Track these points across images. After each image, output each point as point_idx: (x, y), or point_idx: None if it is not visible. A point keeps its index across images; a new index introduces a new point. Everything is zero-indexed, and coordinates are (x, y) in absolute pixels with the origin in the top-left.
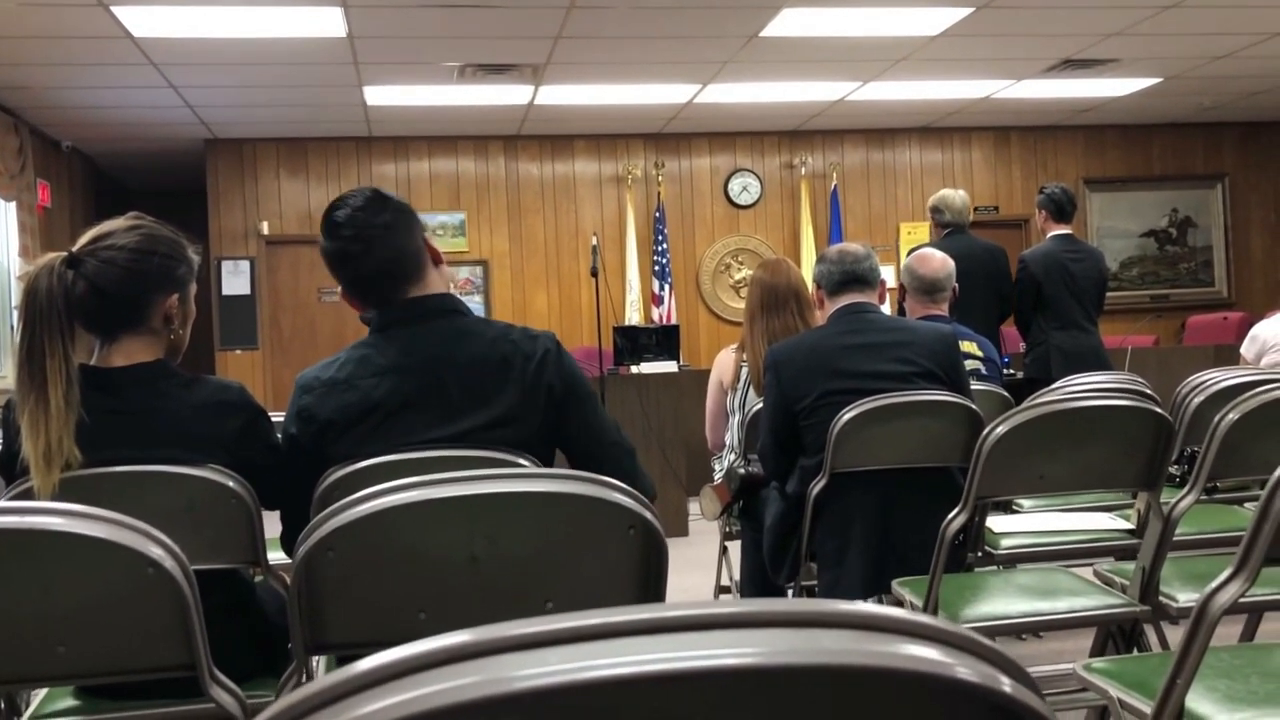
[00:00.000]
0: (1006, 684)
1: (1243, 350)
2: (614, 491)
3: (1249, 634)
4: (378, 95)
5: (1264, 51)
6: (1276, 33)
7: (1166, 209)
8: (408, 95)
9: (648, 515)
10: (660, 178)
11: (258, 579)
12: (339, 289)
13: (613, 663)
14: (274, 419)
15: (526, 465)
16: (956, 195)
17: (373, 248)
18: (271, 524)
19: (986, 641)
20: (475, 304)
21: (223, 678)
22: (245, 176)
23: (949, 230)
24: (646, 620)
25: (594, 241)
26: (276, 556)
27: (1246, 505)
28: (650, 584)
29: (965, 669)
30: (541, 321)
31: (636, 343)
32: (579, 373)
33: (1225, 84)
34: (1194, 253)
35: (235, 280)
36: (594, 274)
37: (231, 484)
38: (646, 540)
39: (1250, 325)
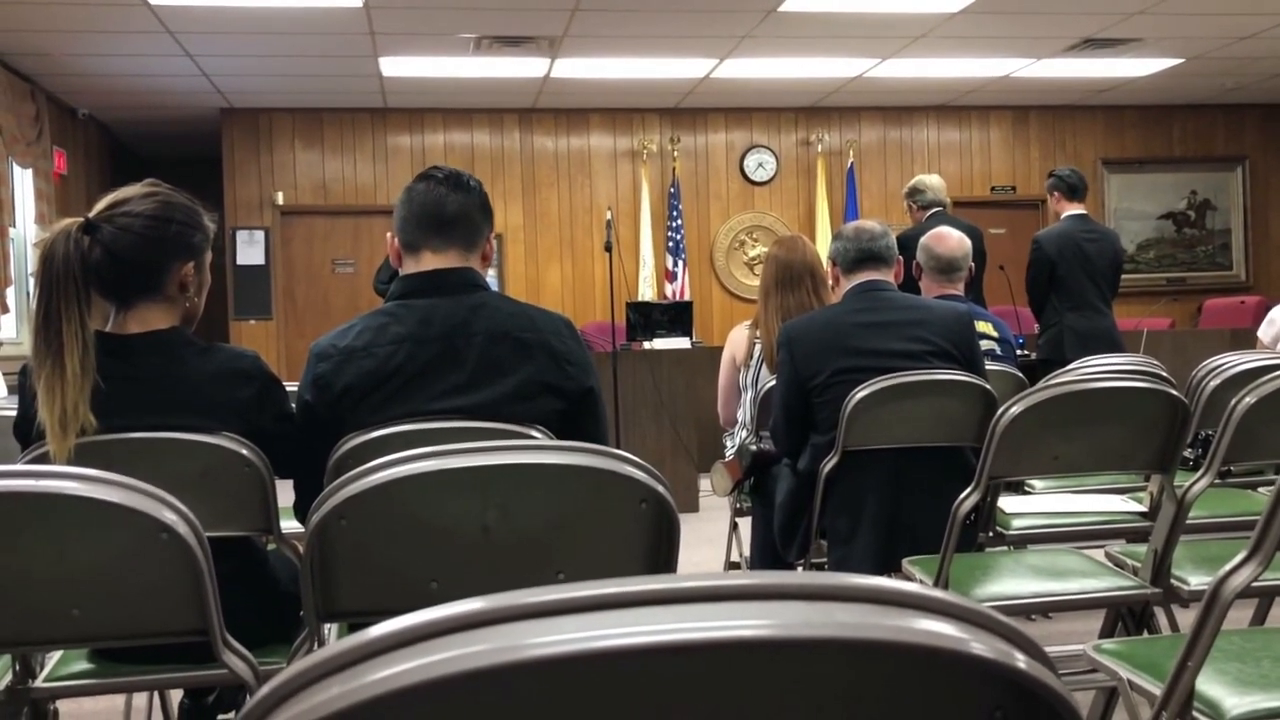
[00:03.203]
0: (1022, 660)
1: (1260, 333)
2: (626, 465)
3: (1260, 618)
4: (393, 66)
5: None
6: None
7: (1185, 191)
8: (423, 66)
9: (660, 489)
10: (676, 153)
11: (270, 547)
12: (391, 238)
13: (626, 632)
14: (288, 389)
15: (539, 437)
16: (933, 177)
17: (453, 194)
18: (285, 492)
19: (1002, 618)
20: (489, 278)
21: (235, 643)
22: (260, 146)
23: (933, 211)
24: (660, 591)
25: (608, 216)
26: (289, 525)
27: (1260, 490)
28: (661, 558)
29: (980, 645)
30: (554, 296)
31: (650, 318)
32: (592, 363)
33: (1248, 65)
34: (1212, 235)
35: (250, 250)
36: (608, 249)
37: (245, 452)
38: (658, 514)
39: (1268, 309)
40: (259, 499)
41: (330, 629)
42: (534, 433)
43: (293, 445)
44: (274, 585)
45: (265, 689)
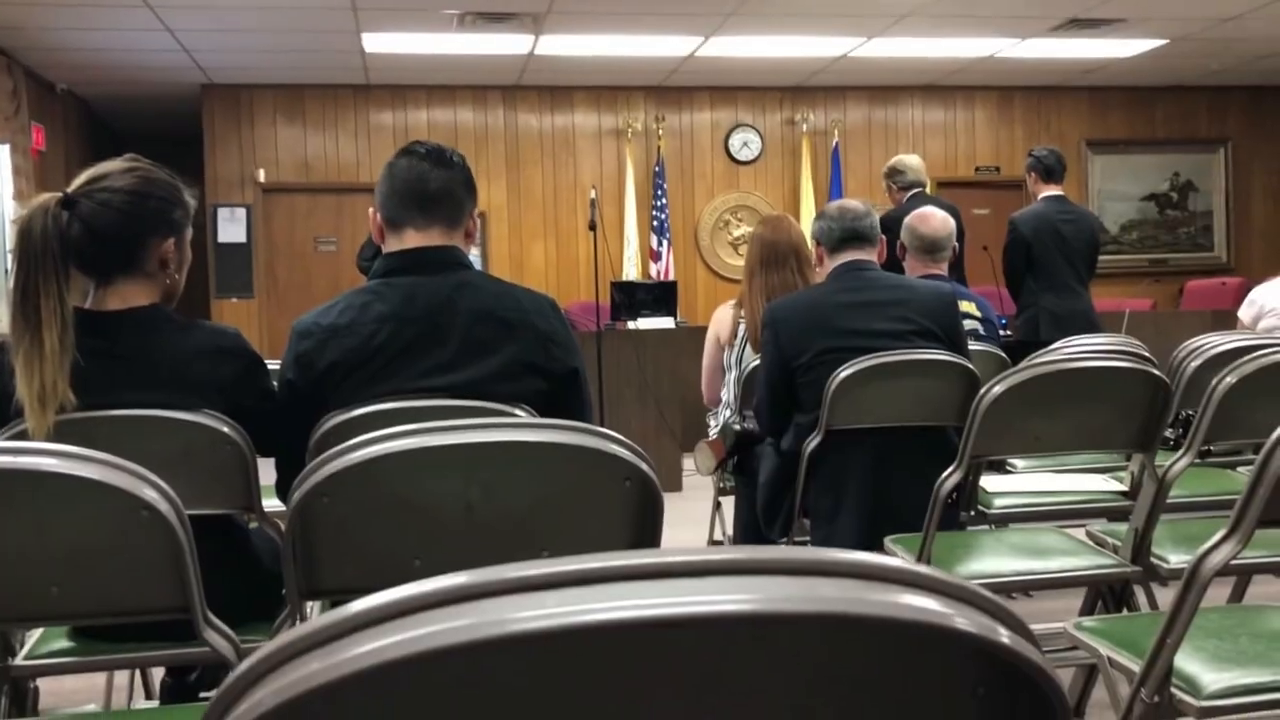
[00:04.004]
0: (1005, 635)
1: (1240, 314)
2: (610, 443)
3: (1237, 595)
4: (376, 42)
5: (1273, 14)
6: None
7: (1168, 173)
8: (407, 43)
9: (644, 467)
10: (660, 132)
11: (252, 525)
12: (374, 214)
13: (610, 607)
14: (270, 367)
15: (523, 415)
16: (912, 157)
17: (435, 171)
18: (267, 470)
19: (985, 592)
20: (472, 256)
21: (216, 621)
22: (242, 123)
23: (913, 191)
24: (645, 565)
25: (592, 195)
26: (271, 503)
27: (1240, 469)
28: (645, 536)
29: (963, 619)
30: (538, 275)
31: (634, 298)
32: (576, 344)
33: (1232, 47)
34: (1194, 217)
35: (231, 228)
36: (592, 228)
37: (226, 429)
38: (642, 492)
39: (1249, 290)
40: (240, 477)
41: (312, 607)
42: (518, 411)
43: (275, 423)
44: (256, 563)
45: (246, 664)
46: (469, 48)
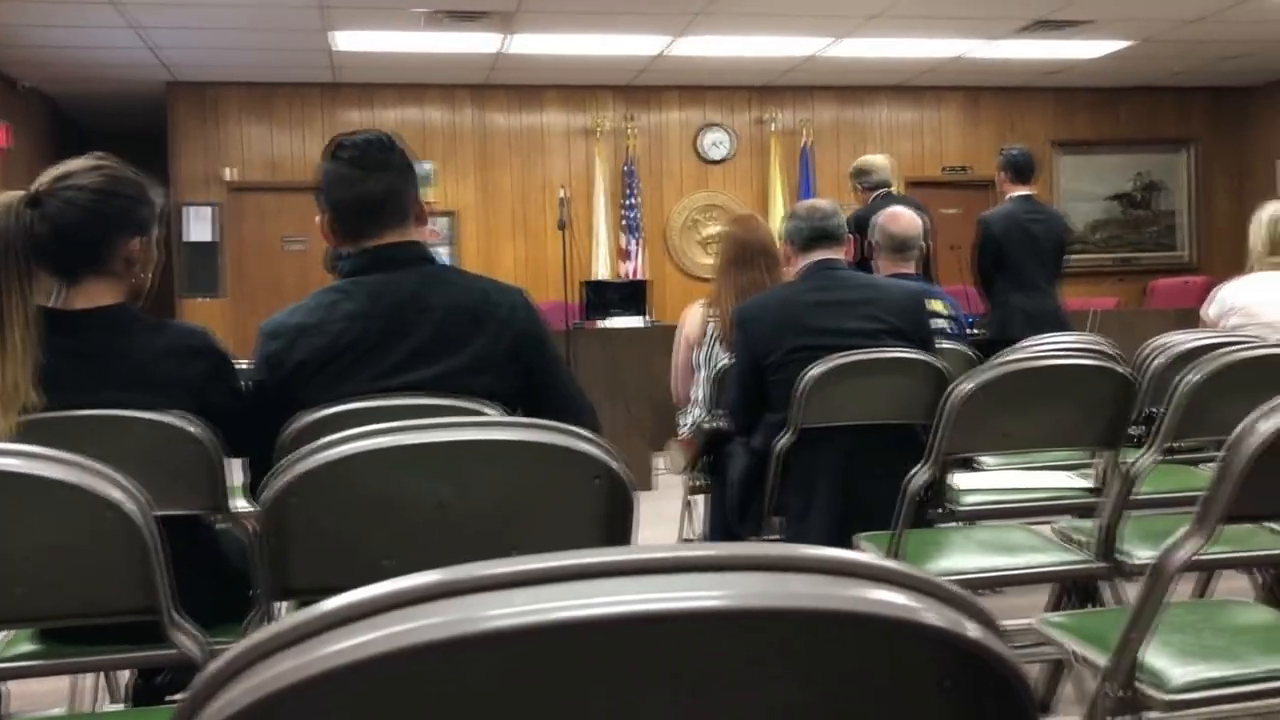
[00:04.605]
0: (973, 630)
1: (1204, 312)
2: (581, 441)
3: (1201, 591)
4: (345, 40)
5: (1235, 16)
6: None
7: (1133, 173)
8: (375, 41)
9: (615, 465)
10: (630, 131)
11: (221, 526)
12: (321, 218)
13: (583, 604)
14: (240, 367)
15: (494, 414)
16: (879, 157)
17: (370, 179)
18: (236, 471)
19: (954, 588)
20: (443, 255)
21: (185, 622)
22: (208, 121)
23: (879, 191)
24: (618, 562)
25: (563, 194)
26: (241, 504)
27: (1204, 466)
28: (617, 534)
29: (933, 615)
30: (509, 274)
31: (605, 297)
32: (547, 331)
33: (1196, 49)
34: (1159, 217)
35: (198, 227)
36: (562, 227)
37: (195, 429)
38: (613, 490)
39: (1212, 289)
40: (209, 477)
41: (282, 607)
42: (489, 409)
43: (244, 423)
44: (225, 564)
45: (217, 663)
46: (438, 46)
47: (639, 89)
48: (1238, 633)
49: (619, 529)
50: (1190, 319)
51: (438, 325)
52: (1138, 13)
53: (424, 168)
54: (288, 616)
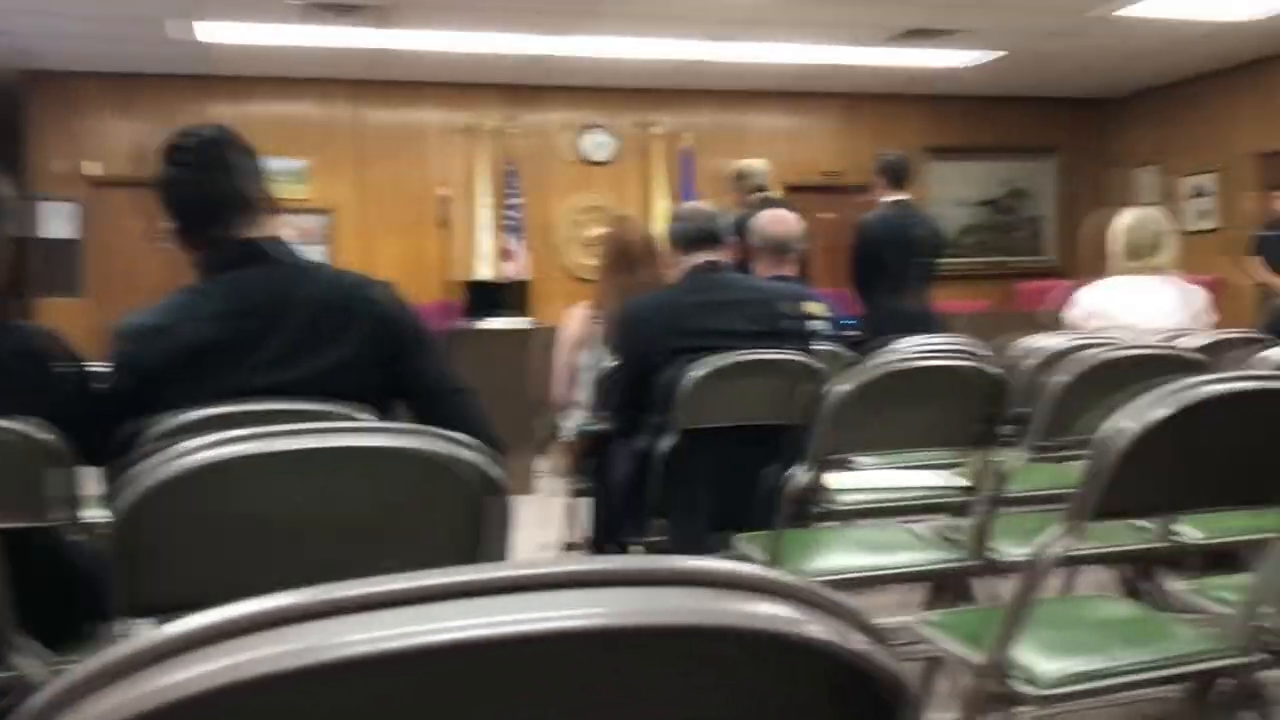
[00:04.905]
0: (857, 641)
1: (1069, 315)
2: (458, 447)
3: (1069, 586)
4: (212, 31)
5: (1094, 30)
6: (1106, 14)
7: (1002, 180)
8: (246, 33)
9: (493, 472)
10: (512, 131)
11: (74, 538)
12: (166, 224)
13: (450, 626)
14: (97, 369)
15: (365, 419)
16: (757, 161)
17: (211, 179)
18: (89, 480)
19: (837, 598)
20: (318, 254)
21: (28, 643)
22: (68, 113)
23: (759, 195)
24: (487, 580)
25: (443, 193)
26: (94, 514)
27: (1072, 463)
28: (494, 544)
29: (815, 627)
30: (387, 274)
31: (486, 298)
32: (419, 319)
33: (1058, 61)
34: (1026, 222)
35: (56, 223)
36: (442, 226)
37: (43, 436)
38: (490, 498)
39: (1076, 292)
40: (60, 487)
41: (139, 625)
42: (359, 414)
43: (98, 429)
44: (75, 580)
45: (35, 700)
46: (313, 39)
47: (521, 88)
48: (1104, 627)
49: (497, 538)
50: (1056, 321)
51: (303, 323)
52: (1004, 25)
53: (297, 164)
54: (121, 644)
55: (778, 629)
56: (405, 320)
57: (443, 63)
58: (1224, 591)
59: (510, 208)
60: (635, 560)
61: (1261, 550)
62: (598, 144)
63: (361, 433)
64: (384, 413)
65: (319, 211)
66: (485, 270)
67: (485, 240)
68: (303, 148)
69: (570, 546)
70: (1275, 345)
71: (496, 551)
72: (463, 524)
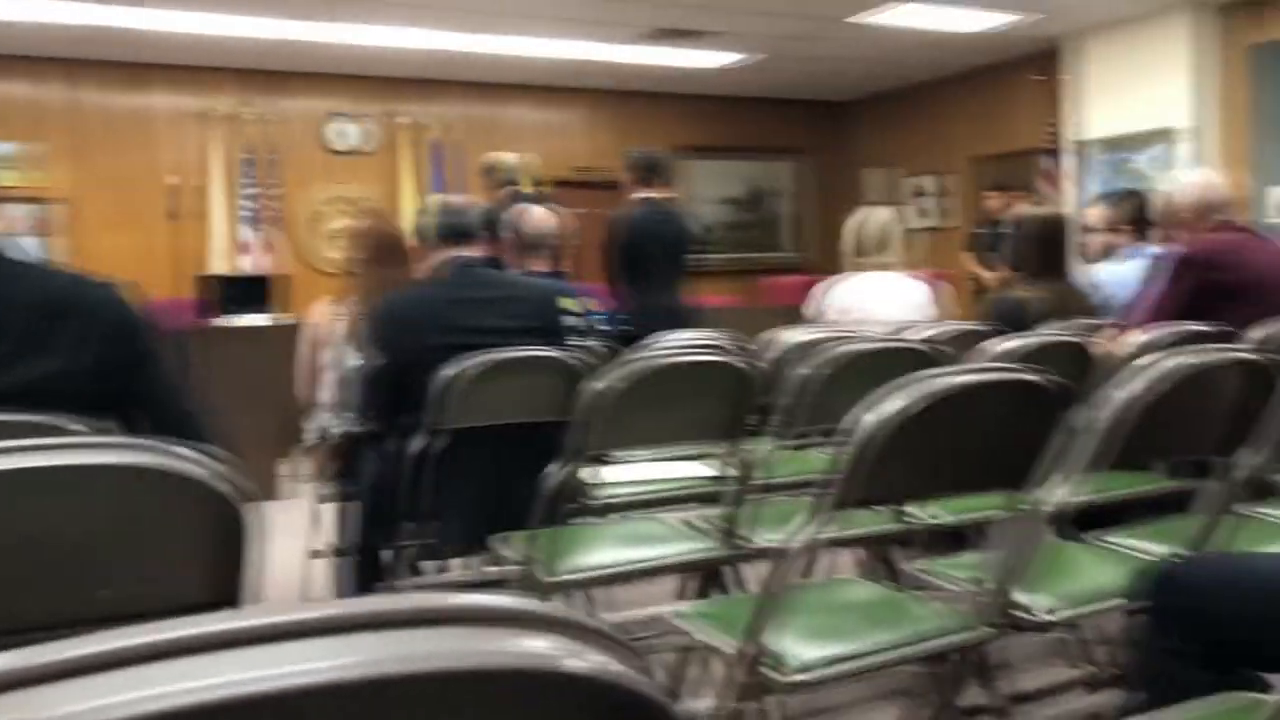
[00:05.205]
0: (619, 669)
1: (809, 310)
2: (184, 462)
3: (814, 570)
4: None
5: (835, 36)
6: (844, 20)
7: (748, 178)
8: None
9: (226, 486)
10: (251, 117)
11: None
12: None
13: (166, 692)
14: None
15: (82, 432)
16: (509, 155)
17: None
18: None
19: (598, 625)
20: (32, 248)
21: None
22: None
23: (511, 189)
24: (211, 635)
25: (175, 182)
26: None
27: (818, 450)
28: (228, 564)
29: (575, 660)
30: (113, 268)
31: (224, 293)
32: (143, 322)
33: (800, 65)
34: (770, 220)
35: None
36: (172, 218)
37: None
38: (224, 515)
39: (815, 287)
40: None
41: None
42: (75, 426)
43: None
44: None
45: None
46: (19, 14)
47: (260, 73)
48: (848, 610)
49: (232, 558)
50: (797, 314)
51: (20, 326)
52: (749, 28)
53: (6, 149)
54: None
55: (535, 666)
56: (125, 325)
57: (172, 43)
58: (953, 569)
59: (248, 198)
60: (380, 601)
61: (985, 530)
62: (343, 133)
63: (74, 449)
64: (129, 425)
65: (32, 200)
66: (222, 264)
67: (221, 232)
68: (11, 131)
69: (318, 554)
70: (995, 337)
71: (232, 572)
72: (196, 544)
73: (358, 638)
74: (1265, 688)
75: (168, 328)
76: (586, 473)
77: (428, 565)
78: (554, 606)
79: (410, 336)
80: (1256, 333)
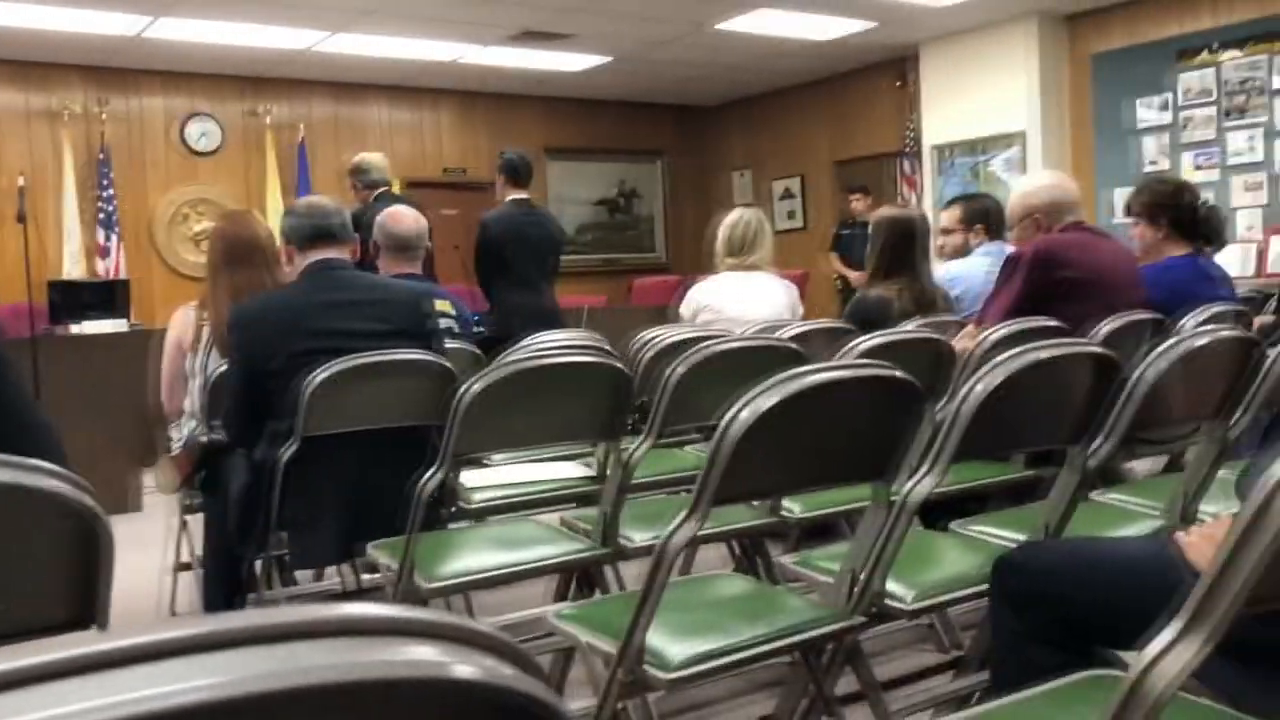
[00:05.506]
0: (509, 673)
1: (680, 310)
2: (38, 475)
3: (686, 568)
4: None
5: (694, 42)
6: (706, 26)
7: (616, 180)
8: None
9: (83, 500)
10: (104, 116)
11: None
12: None
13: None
14: None
15: None
16: (375, 156)
17: None
18: None
19: (486, 630)
20: None
21: None
22: None
23: (378, 190)
24: (76, 659)
25: (21, 183)
26: None
27: (690, 448)
28: (87, 581)
29: (464, 666)
30: None
31: (78, 299)
32: None
33: (665, 69)
34: (639, 221)
35: None
36: (21, 220)
37: None
38: (81, 530)
39: (684, 287)
40: None
41: None
42: None
43: None
44: None
45: None
46: None
47: (114, 71)
48: (723, 605)
49: (91, 576)
50: (669, 314)
51: None
52: (613, 31)
53: None
54: None
55: (423, 675)
56: None
57: (16, 39)
58: (823, 561)
59: (104, 200)
60: (257, 615)
61: (854, 520)
62: (203, 133)
63: None
64: None
65: None
66: (76, 269)
67: (75, 235)
68: None
69: (184, 567)
70: (859, 334)
71: (91, 589)
72: (50, 561)
73: (235, 654)
74: (1123, 665)
75: (13, 336)
76: (464, 476)
77: (302, 575)
78: (438, 613)
79: (270, 342)
80: (1103, 326)
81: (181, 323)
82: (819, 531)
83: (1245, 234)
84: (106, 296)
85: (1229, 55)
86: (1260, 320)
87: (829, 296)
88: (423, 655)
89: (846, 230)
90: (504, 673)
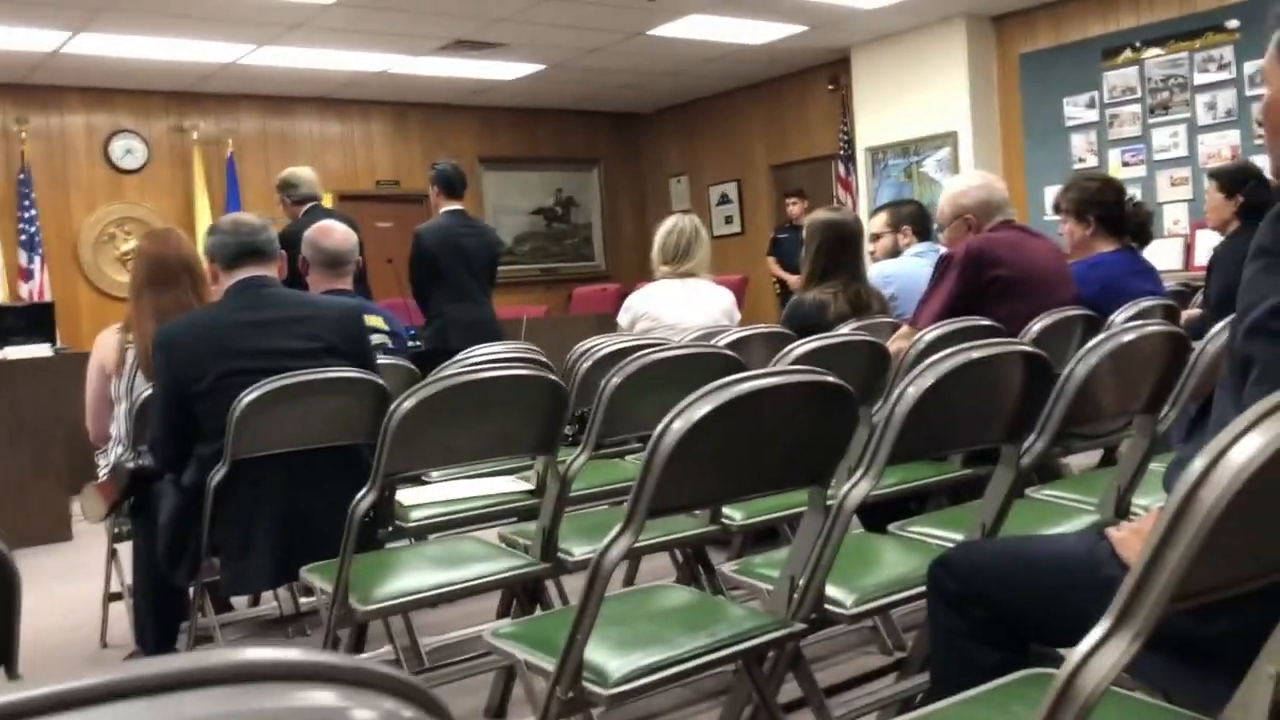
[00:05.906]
0: (411, 716)
1: (619, 319)
2: None
3: (633, 577)
4: None
5: (628, 49)
6: (638, 33)
7: (553, 189)
8: None
9: None
10: (24, 134)
11: None
12: None
13: None
14: None
15: None
16: (304, 170)
17: None
18: None
19: (387, 672)
20: None
21: None
22: None
23: (308, 205)
24: None
25: None
26: None
27: (628, 459)
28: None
29: (363, 711)
30: None
31: (1, 323)
32: None
33: (598, 76)
34: (577, 230)
35: None
36: None
37: None
38: None
39: (625, 296)
40: None
41: None
42: None
43: None
44: None
45: None
46: None
47: (34, 88)
48: (664, 617)
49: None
50: (609, 324)
51: None
52: (547, 39)
53: None
54: None
55: None
56: None
57: None
58: (765, 568)
59: (25, 220)
60: (142, 665)
61: (795, 525)
62: (129, 150)
63: None
64: None
65: None
66: None
67: None
68: None
69: (114, 597)
70: (797, 339)
71: (5, 631)
72: None
73: (114, 708)
74: (1060, 662)
75: None
76: (401, 494)
77: (239, 600)
78: (336, 655)
79: (196, 363)
80: (1035, 324)
81: (105, 346)
82: (765, 536)
83: (1172, 228)
84: (31, 320)
85: (1152, 53)
86: (1188, 313)
87: (770, 301)
88: (320, 700)
89: (784, 234)
90: (405, 715)
